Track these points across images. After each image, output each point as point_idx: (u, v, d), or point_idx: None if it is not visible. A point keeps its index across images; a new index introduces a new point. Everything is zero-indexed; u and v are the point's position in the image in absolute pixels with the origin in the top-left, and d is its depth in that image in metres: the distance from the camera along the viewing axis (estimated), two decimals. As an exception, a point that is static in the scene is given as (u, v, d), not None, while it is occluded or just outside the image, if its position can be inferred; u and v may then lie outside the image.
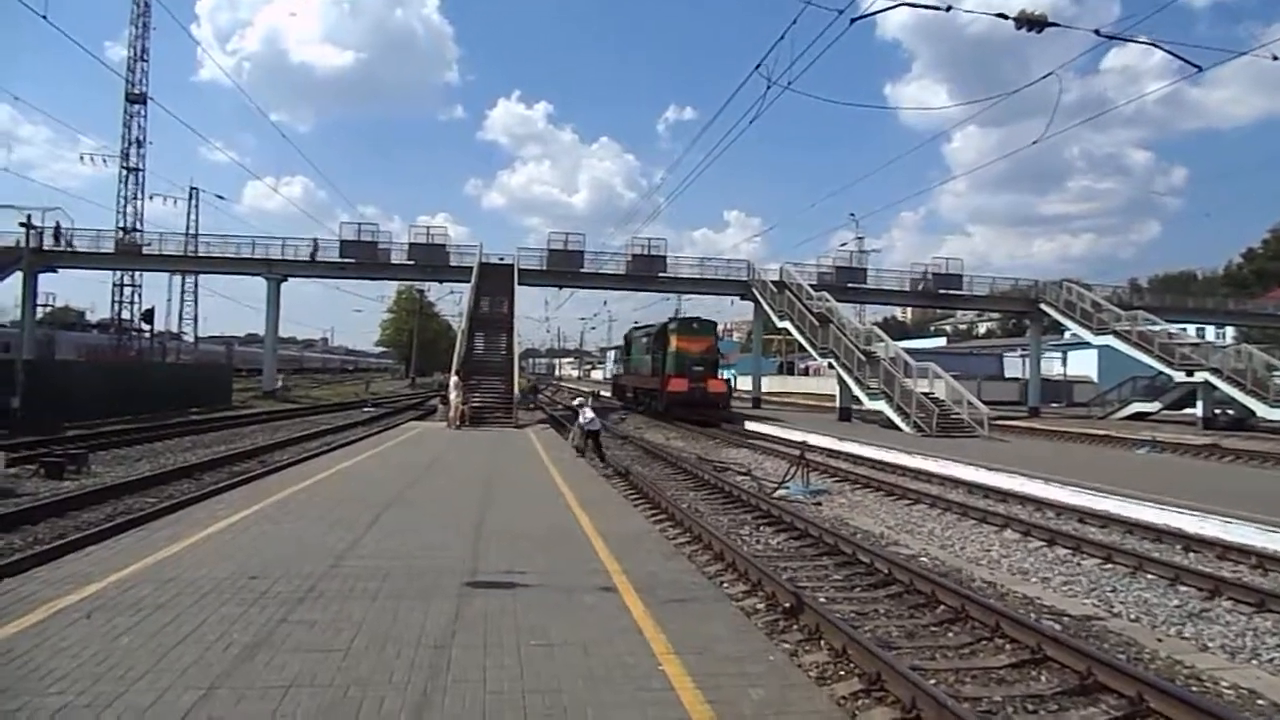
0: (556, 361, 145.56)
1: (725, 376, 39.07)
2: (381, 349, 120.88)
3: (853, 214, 68.51)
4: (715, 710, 4.54)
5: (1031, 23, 9.93)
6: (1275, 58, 10.90)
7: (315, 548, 8.07)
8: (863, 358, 34.46)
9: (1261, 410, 33.28)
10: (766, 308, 44.00)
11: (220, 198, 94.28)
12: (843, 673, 6.34)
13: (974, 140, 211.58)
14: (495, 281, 38.47)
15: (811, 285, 42.74)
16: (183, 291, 62.28)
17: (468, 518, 10.17)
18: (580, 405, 21.53)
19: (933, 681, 5.98)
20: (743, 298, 47.47)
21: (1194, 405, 38.01)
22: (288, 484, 12.43)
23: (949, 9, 10.01)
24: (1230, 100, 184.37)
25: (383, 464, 15.91)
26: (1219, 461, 23.91)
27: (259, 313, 48.50)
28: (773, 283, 44.22)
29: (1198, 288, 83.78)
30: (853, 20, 10.52)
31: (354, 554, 7.95)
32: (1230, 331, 57.54)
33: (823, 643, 6.95)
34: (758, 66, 11.62)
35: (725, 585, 8.77)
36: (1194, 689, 6.23)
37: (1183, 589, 9.08)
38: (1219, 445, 26.52)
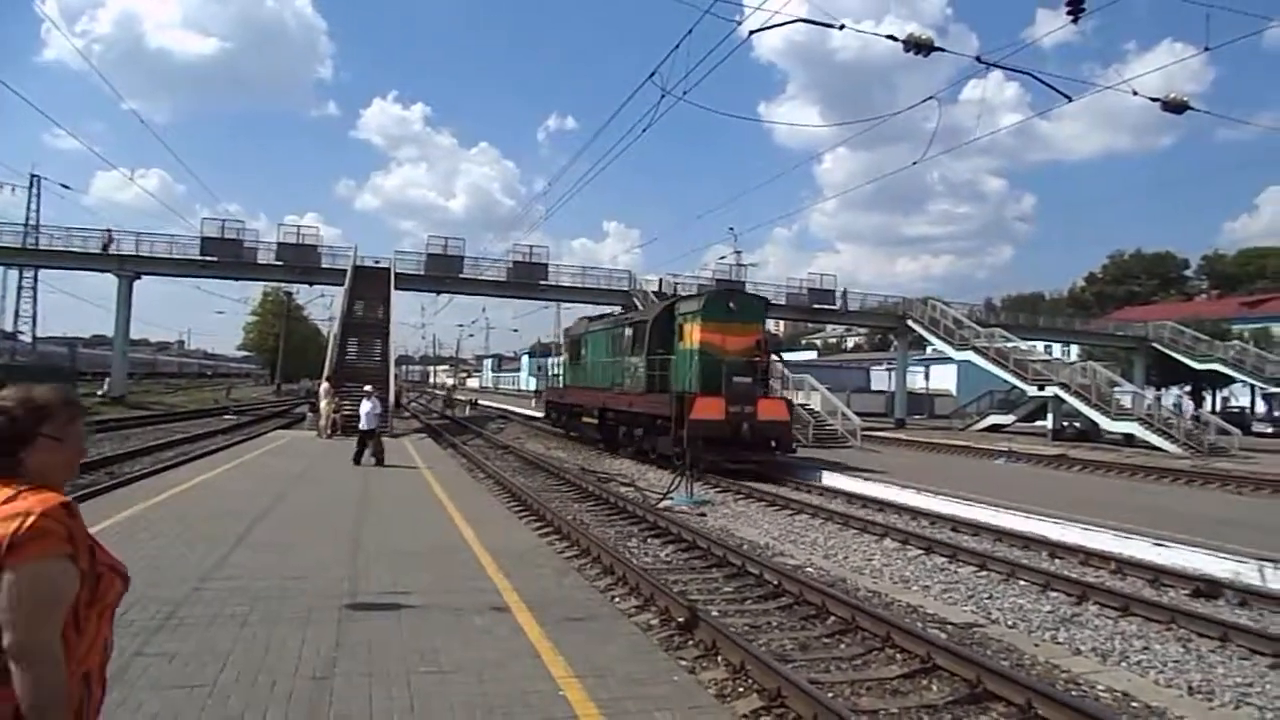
0: (432, 369, 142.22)
1: (780, 394, 23.69)
2: (244, 353, 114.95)
3: (731, 228, 70.05)
4: (623, 738, 4.32)
5: (919, 46, 10.27)
6: (1135, 93, 11.71)
7: (175, 568, 7.39)
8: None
9: (1104, 423, 35.76)
10: (648, 318, 44.19)
11: (65, 187, 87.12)
12: (742, 689, 6.22)
13: (844, 162, 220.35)
14: (370, 285, 37.15)
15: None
16: (19, 288, 57.49)
17: (344, 533, 9.60)
18: (367, 394, 19.74)
19: (831, 695, 5.95)
20: (624, 309, 47.57)
21: (1045, 418, 40.58)
22: (140, 498, 11.45)
23: (841, 27, 10.26)
24: (1074, 136, 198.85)
25: (248, 475, 14.94)
26: (1069, 470, 25.50)
27: (108, 312, 44.97)
28: (653, 293, 44.49)
29: (1045, 308, 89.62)
30: (751, 33, 10.59)
31: (220, 574, 7.32)
32: (1075, 349, 61.75)
33: (720, 658, 6.82)
34: (651, 75, 11.51)
35: (618, 600, 8.55)
36: (1074, 692, 6.44)
37: (1053, 594, 9.47)
38: (1067, 455, 28.30)
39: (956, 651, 6.82)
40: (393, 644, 5.61)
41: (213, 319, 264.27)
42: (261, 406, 49.08)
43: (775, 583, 9.34)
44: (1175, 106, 12.08)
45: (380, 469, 16.90)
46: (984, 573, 10.51)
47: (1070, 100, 11.22)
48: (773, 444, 20.22)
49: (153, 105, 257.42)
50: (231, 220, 48.93)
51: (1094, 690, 6.60)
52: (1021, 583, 10.00)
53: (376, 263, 42.05)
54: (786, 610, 8.55)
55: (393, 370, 31.69)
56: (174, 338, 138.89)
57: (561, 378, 33.63)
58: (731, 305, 21.40)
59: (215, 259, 42.16)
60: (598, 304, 49.63)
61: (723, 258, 60.72)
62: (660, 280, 46.15)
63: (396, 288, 38.50)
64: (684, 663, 6.59)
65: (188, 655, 5.20)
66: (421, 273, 44.25)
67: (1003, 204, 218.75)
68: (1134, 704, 6.33)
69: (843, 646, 7.43)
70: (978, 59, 11.35)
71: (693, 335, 20.89)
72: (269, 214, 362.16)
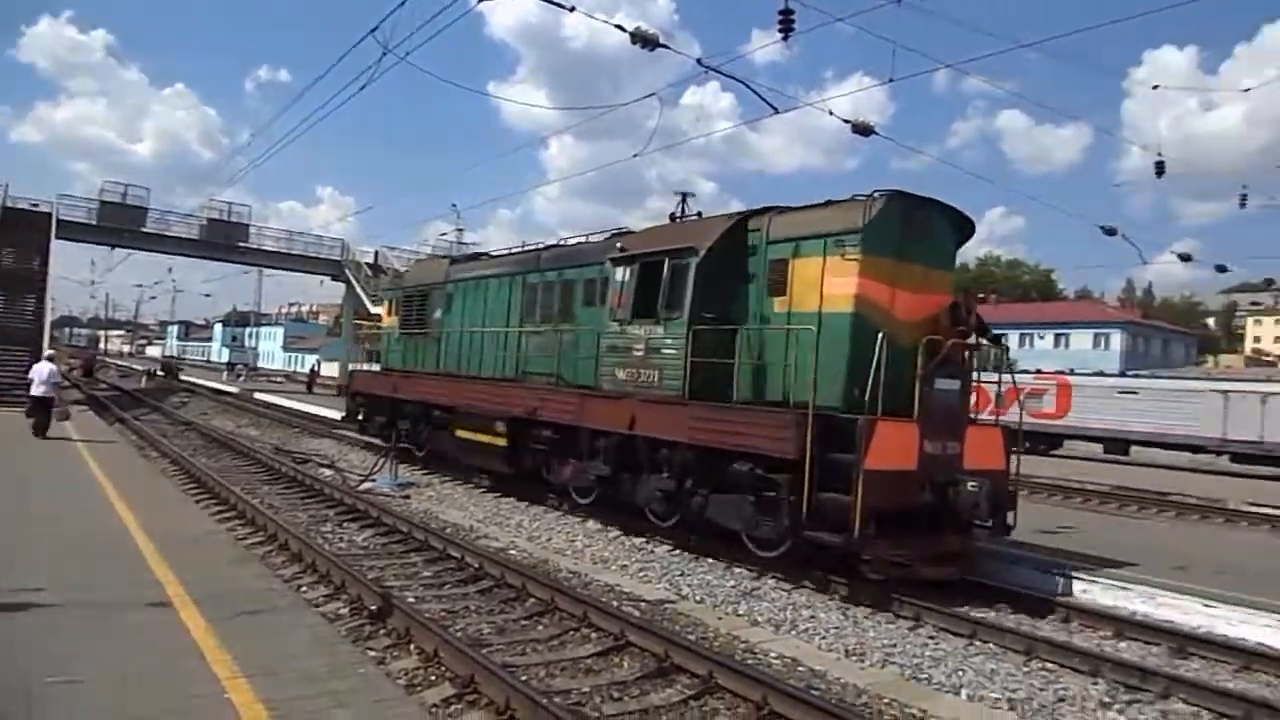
0: (103, 334, 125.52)
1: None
2: None
3: (454, 204, 68.39)
4: (293, 742, 3.94)
5: (646, 40, 10.53)
6: (831, 113, 12.86)
7: None
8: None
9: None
10: (360, 290, 42.01)
11: None
12: (434, 677, 5.99)
13: (570, 150, 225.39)
14: (24, 231, 31.78)
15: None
16: None
17: (-37, 521, 8.07)
18: (50, 358, 17.52)
19: (525, 678, 5.89)
20: (334, 278, 44.91)
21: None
22: None
23: (572, 9, 10.23)
24: (778, 149, 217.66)
25: None
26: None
27: None
28: (368, 264, 42.45)
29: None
30: (479, 1, 10.23)
31: None
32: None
33: (413, 646, 6.53)
34: (374, 30, 10.73)
35: (304, 590, 7.94)
36: (750, 661, 6.91)
37: (737, 571, 10.16)
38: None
39: (648, 628, 7.07)
40: (15, 653, 4.73)
41: None
42: None
43: (477, 566, 9.18)
44: (862, 129, 13.44)
45: (28, 444, 14.51)
46: (678, 552, 11.04)
47: (777, 112, 12.02)
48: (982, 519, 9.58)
49: None
50: None
51: (768, 657, 7.13)
52: (710, 560, 10.63)
53: (35, 206, 36.09)
54: (486, 594, 8.42)
55: (48, 332, 27.36)
56: None
57: (391, 354, 19.73)
58: (917, 230, 9.68)
59: None
60: (307, 273, 46.36)
61: (443, 234, 59.24)
62: (376, 253, 44.12)
63: (59, 236, 33.32)
64: (373, 653, 6.24)
65: None
66: (94, 222, 38.77)
67: (714, 206, 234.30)
68: (800, 668, 6.91)
69: (540, 628, 7.43)
70: (699, 61, 11.90)
71: (835, 282, 9.42)
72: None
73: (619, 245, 12.19)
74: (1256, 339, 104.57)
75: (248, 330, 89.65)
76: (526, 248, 15.86)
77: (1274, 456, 24.67)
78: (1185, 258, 24.92)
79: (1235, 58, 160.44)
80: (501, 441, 13.98)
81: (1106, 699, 6.60)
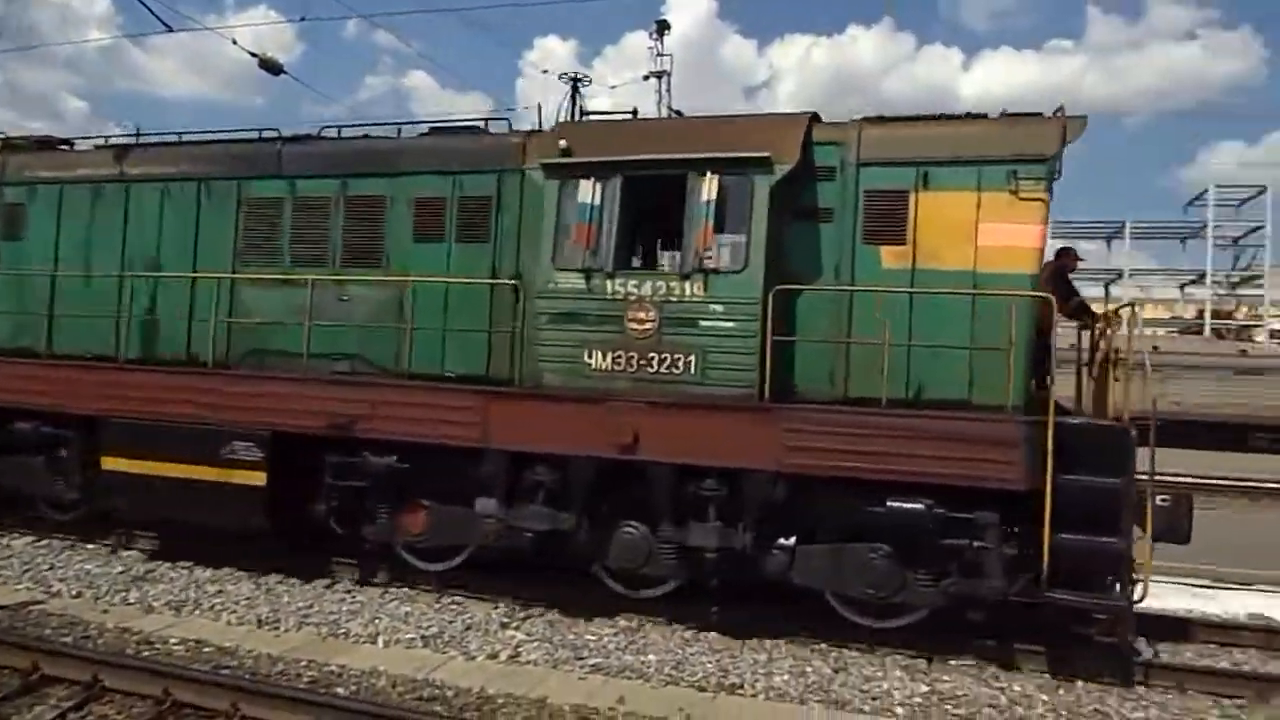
0: None
1: None
2: None
3: None
4: None
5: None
6: (235, 41, 11.77)
7: None
8: None
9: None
10: None
11: None
12: None
13: None
14: None
15: None
16: None
17: None
18: None
19: None
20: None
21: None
22: None
23: None
24: (170, 72, 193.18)
25: None
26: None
27: None
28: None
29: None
30: None
31: None
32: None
33: None
34: None
35: None
36: (146, 653, 6.17)
37: (125, 555, 8.92)
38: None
39: (5, 640, 5.85)
40: None
41: None
42: None
43: None
44: (270, 66, 12.48)
45: None
46: (44, 543, 9.25)
47: (170, 30, 10.58)
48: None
49: None
50: None
51: (167, 645, 6.45)
52: (89, 548, 9.14)
53: None
54: None
55: None
56: None
57: None
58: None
59: None
60: None
61: None
62: None
63: None
64: None
65: None
66: None
67: (86, 128, 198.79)
68: (207, 649, 6.40)
69: None
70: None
71: (1001, 230, 6.87)
72: None
73: (560, 143, 7.58)
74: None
75: None
76: (237, 137, 9.54)
77: None
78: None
79: (604, 57, 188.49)
80: (250, 479, 8.20)
81: (505, 619, 7.40)
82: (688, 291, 7.14)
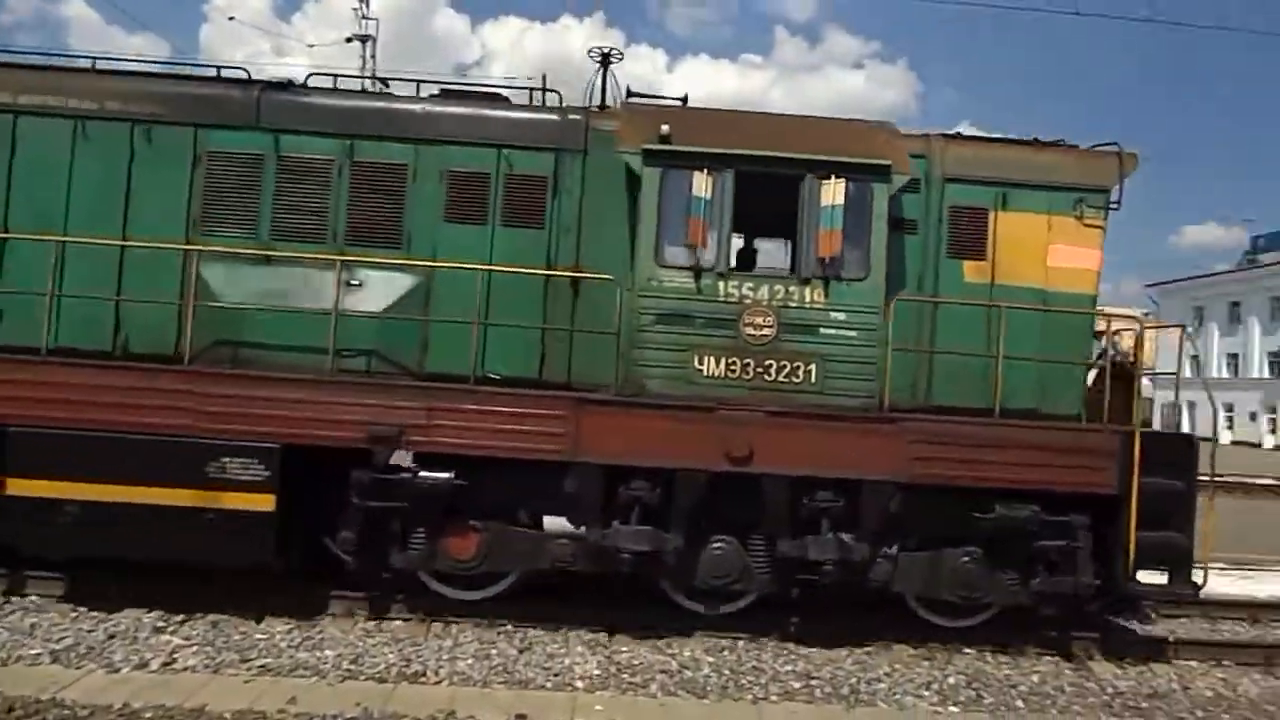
0: None
1: None
2: None
3: None
4: None
5: None
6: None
7: None
8: None
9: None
10: None
11: None
12: None
13: None
14: None
15: None
16: None
17: None
18: None
19: None
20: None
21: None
22: None
23: None
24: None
25: None
26: None
27: None
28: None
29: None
30: None
31: None
32: None
33: None
34: None
35: None
36: None
37: None
38: None
39: None
40: None
41: None
42: None
43: None
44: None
45: None
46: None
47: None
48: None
49: None
50: None
51: None
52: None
53: None
54: None
55: None
56: None
57: None
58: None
59: None
60: None
61: None
62: None
63: None
64: None
65: None
66: None
67: None
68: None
69: None
70: None
71: (1067, 253, 7.43)
72: None
73: (663, 128, 6.78)
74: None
75: None
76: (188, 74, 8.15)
77: None
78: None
79: (305, 13, 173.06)
80: (259, 504, 6.55)
81: (160, 624, 6.62)
82: (808, 297, 6.85)
